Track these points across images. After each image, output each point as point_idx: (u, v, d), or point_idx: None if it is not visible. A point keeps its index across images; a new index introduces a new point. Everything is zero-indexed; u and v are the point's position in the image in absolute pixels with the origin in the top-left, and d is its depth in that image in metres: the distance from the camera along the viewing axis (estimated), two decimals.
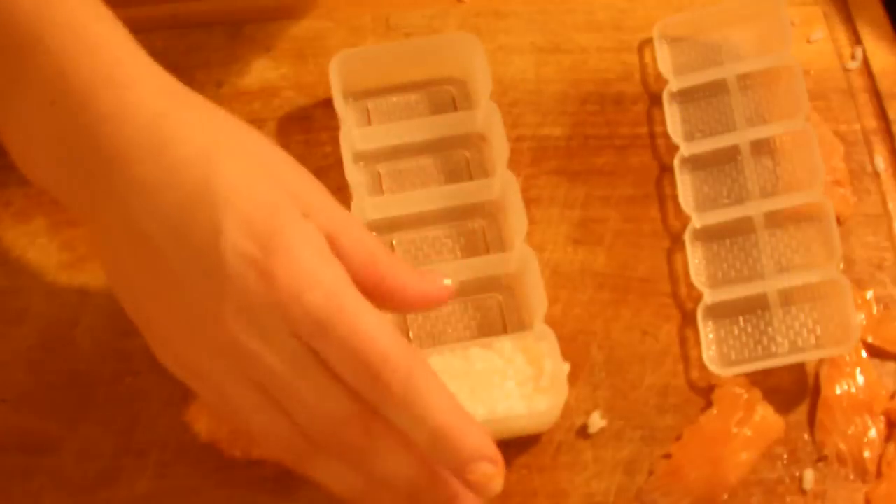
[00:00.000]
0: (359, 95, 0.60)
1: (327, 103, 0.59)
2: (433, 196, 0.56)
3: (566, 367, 0.50)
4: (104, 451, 0.52)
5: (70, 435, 0.53)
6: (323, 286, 0.40)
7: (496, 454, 0.41)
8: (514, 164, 0.57)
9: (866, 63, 0.62)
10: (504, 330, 0.54)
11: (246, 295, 0.40)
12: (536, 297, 0.52)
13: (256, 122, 0.61)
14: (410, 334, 0.54)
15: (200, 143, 0.42)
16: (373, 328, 0.40)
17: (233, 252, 0.40)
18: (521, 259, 0.54)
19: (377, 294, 0.43)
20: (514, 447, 0.52)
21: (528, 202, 0.57)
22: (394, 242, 0.57)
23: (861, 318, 0.54)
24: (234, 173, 0.41)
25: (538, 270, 0.52)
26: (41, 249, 0.57)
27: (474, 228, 0.57)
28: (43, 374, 0.54)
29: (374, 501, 0.43)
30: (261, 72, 0.62)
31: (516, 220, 0.54)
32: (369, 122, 0.60)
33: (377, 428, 0.41)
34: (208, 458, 0.52)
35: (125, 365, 0.54)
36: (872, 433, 0.52)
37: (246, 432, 0.44)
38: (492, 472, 0.41)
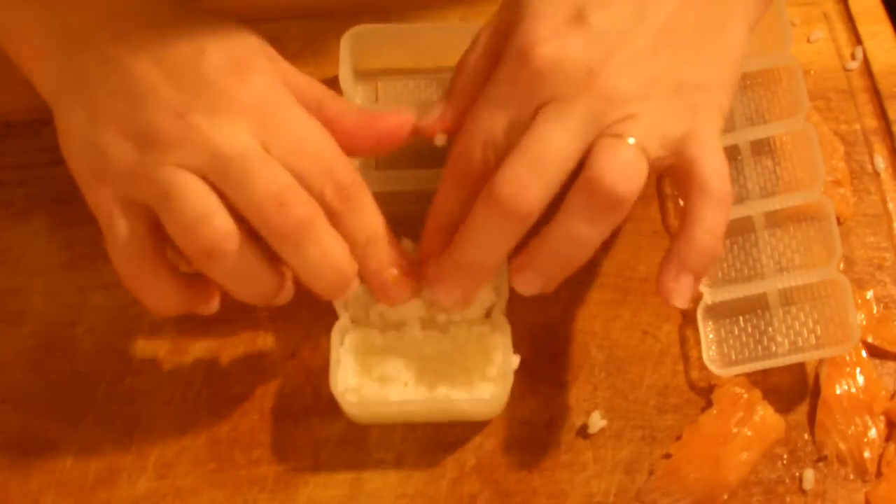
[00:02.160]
0: (370, 75, 0.60)
1: None
2: (422, 176, 0.57)
3: (516, 360, 0.51)
4: (104, 451, 0.52)
5: (70, 435, 0.53)
6: (295, 106, 0.48)
7: (410, 268, 0.50)
8: None
9: (866, 63, 0.62)
10: None
11: (221, 97, 0.46)
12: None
13: None
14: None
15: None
16: (332, 149, 0.48)
17: (211, 66, 0.47)
18: None
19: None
20: (515, 447, 0.52)
21: None
22: None
23: (861, 318, 0.54)
24: (214, 20, 0.49)
25: None
26: (41, 249, 0.57)
27: None
28: (43, 374, 0.54)
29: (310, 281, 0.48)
30: None
31: None
32: (377, 101, 0.61)
33: (319, 219, 0.47)
34: (208, 458, 0.52)
35: (125, 365, 0.54)
36: (872, 433, 0.52)
37: (187, 228, 0.46)
38: (401, 278, 0.50)
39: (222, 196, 0.46)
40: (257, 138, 0.46)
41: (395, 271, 0.49)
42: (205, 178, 0.45)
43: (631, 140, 0.45)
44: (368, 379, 0.51)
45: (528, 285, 0.48)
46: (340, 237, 0.48)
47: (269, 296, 0.49)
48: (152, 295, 0.48)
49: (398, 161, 0.57)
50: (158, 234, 0.47)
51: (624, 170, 0.45)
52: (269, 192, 0.45)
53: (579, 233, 0.46)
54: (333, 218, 0.47)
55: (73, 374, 0.54)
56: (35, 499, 0.51)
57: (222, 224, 0.45)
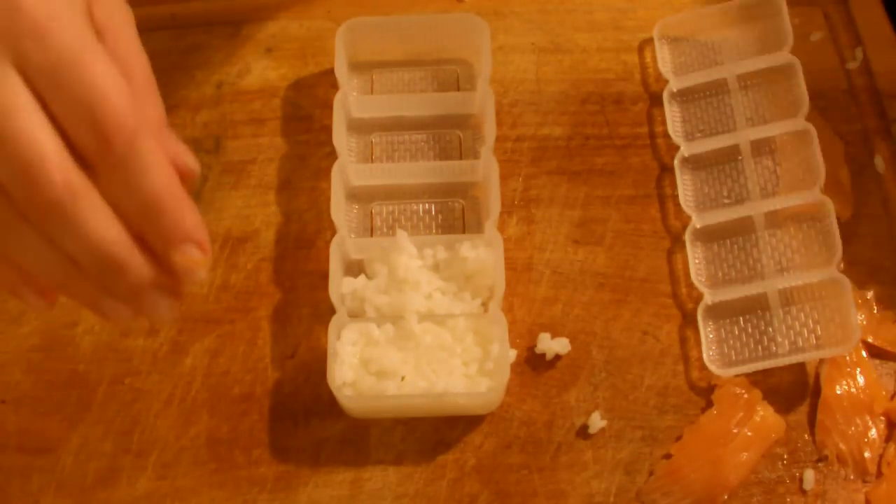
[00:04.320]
0: (365, 66, 0.61)
1: (328, 104, 0.59)
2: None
3: (513, 354, 0.51)
4: (104, 451, 0.52)
5: (70, 435, 0.53)
6: (66, 29, 0.37)
7: (206, 241, 0.40)
8: (514, 164, 0.58)
9: (866, 63, 0.62)
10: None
11: None
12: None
13: (256, 121, 0.61)
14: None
15: None
16: (109, 84, 0.37)
17: None
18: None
19: None
20: (515, 447, 0.52)
21: (528, 202, 0.58)
22: (373, 212, 0.58)
23: (861, 318, 0.54)
24: None
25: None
26: None
27: (454, 207, 0.58)
28: (43, 374, 0.54)
29: (58, 279, 0.40)
30: (261, 72, 0.62)
31: (493, 200, 0.55)
32: (372, 93, 0.61)
33: (82, 188, 0.37)
34: (208, 458, 0.52)
35: (125, 365, 0.54)
36: (872, 433, 0.52)
37: None
38: (198, 258, 0.39)
39: None
40: (16, 67, 0.36)
41: (182, 254, 0.39)
42: None
43: None
44: (366, 373, 0.51)
45: None
46: (108, 211, 0.38)
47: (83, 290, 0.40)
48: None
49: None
50: None
51: None
52: (19, 165, 0.36)
53: None
54: (97, 175, 0.38)
55: (73, 374, 0.54)
56: (35, 499, 0.51)
57: None
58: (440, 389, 0.51)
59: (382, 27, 0.60)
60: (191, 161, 0.41)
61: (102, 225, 0.38)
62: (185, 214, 0.39)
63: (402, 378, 0.51)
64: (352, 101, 0.58)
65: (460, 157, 0.59)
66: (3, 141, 0.36)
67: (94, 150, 0.37)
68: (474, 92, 0.59)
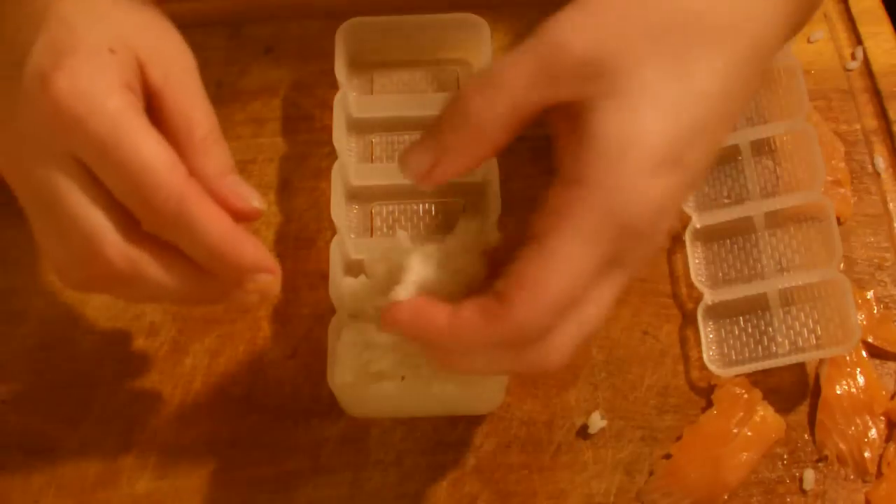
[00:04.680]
0: (365, 66, 0.61)
1: (327, 104, 0.59)
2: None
3: None
4: (104, 451, 0.52)
5: (70, 435, 0.53)
6: (104, 112, 0.40)
7: (273, 263, 0.43)
8: (514, 164, 0.57)
9: (866, 63, 0.62)
10: None
11: (32, 111, 0.40)
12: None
13: (256, 122, 0.61)
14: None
15: None
16: (149, 160, 0.40)
17: (31, 66, 0.41)
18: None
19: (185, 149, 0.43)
20: (515, 447, 0.52)
21: (528, 202, 0.57)
22: (373, 212, 0.58)
23: (861, 318, 0.54)
24: (69, 10, 0.42)
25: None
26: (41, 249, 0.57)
27: (454, 207, 0.58)
28: (43, 374, 0.54)
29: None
30: (261, 72, 0.62)
31: (493, 201, 0.55)
32: (372, 93, 0.61)
33: (140, 258, 0.41)
34: (208, 458, 0.52)
35: (125, 365, 0.54)
36: (872, 433, 0.52)
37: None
38: (270, 280, 0.43)
39: None
40: (70, 157, 0.41)
41: (253, 282, 0.43)
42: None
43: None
44: (366, 373, 0.51)
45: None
46: (164, 267, 0.42)
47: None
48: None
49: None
50: None
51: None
52: (79, 248, 0.41)
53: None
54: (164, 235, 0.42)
55: (73, 374, 0.54)
56: (35, 499, 0.51)
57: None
58: (440, 390, 0.51)
59: (382, 27, 0.60)
60: (256, 202, 0.44)
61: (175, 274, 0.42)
62: (244, 253, 0.42)
63: (402, 378, 0.51)
64: (352, 101, 0.58)
65: None
66: (64, 231, 0.41)
67: (148, 220, 0.41)
68: None
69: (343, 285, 0.53)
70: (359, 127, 0.59)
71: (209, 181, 0.42)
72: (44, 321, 0.55)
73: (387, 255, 0.54)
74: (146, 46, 0.43)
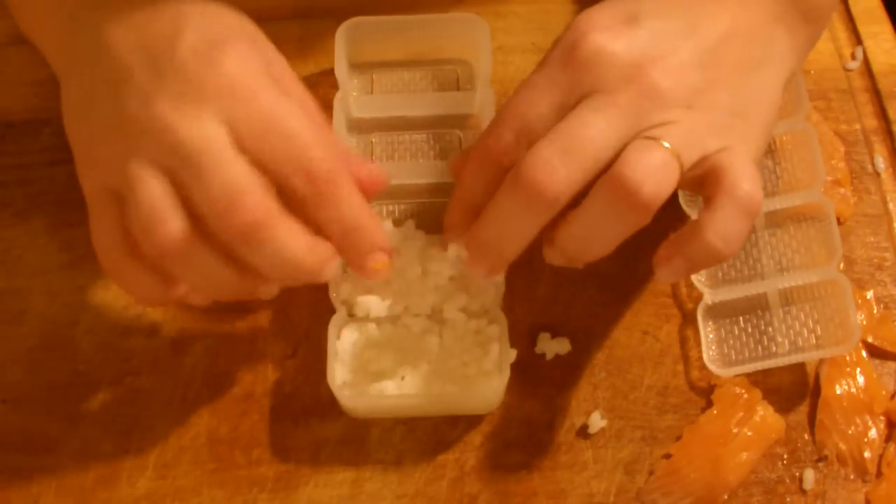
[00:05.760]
0: (365, 66, 0.61)
1: (327, 103, 0.59)
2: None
3: (513, 354, 0.51)
4: (104, 451, 0.52)
5: (70, 435, 0.53)
6: (268, 90, 0.46)
7: (390, 248, 0.49)
8: None
9: (866, 63, 0.62)
10: None
11: (190, 82, 0.44)
12: None
13: None
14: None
15: None
16: (308, 136, 0.45)
17: (185, 47, 0.45)
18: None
19: None
20: (515, 447, 0.52)
21: None
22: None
23: (861, 318, 0.54)
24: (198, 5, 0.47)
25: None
26: (41, 249, 0.57)
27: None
28: (43, 374, 0.54)
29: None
30: None
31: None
32: (372, 93, 0.61)
33: (272, 215, 0.44)
34: (208, 457, 0.52)
35: (125, 365, 0.54)
36: (872, 433, 0.52)
37: (146, 224, 0.45)
38: (385, 260, 0.48)
39: (185, 190, 0.45)
40: (225, 124, 0.44)
41: (374, 261, 0.48)
42: (166, 173, 0.45)
43: (666, 144, 0.45)
44: (365, 373, 0.51)
45: (553, 258, 0.48)
46: (300, 230, 0.45)
47: (237, 292, 0.48)
48: (132, 285, 0.48)
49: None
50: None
51: (653, 172, 0.44)
52: (221, 192, 0.43)
53: (597, 226, 0.45)
54: (303, 207, 0.46)
55: (73, 374, 0.54)
56: (35, 499, 0.51)
57: (174, 228, 0.44)
58: (440, 389, 0.51)
59: (382, 27, 0.60)
60: (375, 171, 0.49)
61: (296, 242, 0.45)
62: (377, 231, 0.47)
63: (402, 378, 0.51)
64: (352, 101, 0.59)
65: None
66: (206, 181, 0.43)
67: (303, 192, 0.45)
68: (474, 92, 0.59)
69: (343, 286, 0.53)
70: (359, 126, 0.59)
71: (339, 158, 0.47)
72: (44, 321, 0.55)
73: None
74: (262, 39, 0.49)
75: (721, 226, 0.44)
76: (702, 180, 0.47)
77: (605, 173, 0.45)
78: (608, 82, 0.45)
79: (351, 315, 0.53)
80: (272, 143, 0.45)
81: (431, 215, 0.56)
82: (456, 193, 0.49)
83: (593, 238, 0.46)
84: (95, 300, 0.56)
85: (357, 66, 0.61)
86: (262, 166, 0.45)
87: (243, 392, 0.54)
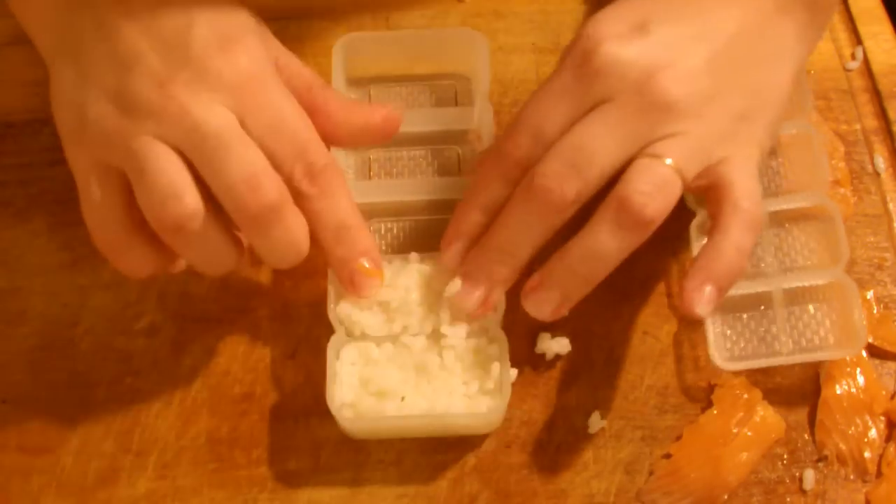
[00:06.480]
0: (363, 81, 0.61)
1: None
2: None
3: (513, 373, 0.51)
4: (104, 451, 0.52)
5: (70, 435, 0.53)
6: (276, 86, 0.48)
7: (379, 261, 0.51)
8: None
9: (866, 63, 0.62)
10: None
11: (204, 71, 0.46)
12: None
13: None
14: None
15: None
16: (310, 131, 0.48)
17: (198, 39, 0.46)
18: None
19: (314, 121, 0.49)
20: (515, 447, 0.52)
21: None
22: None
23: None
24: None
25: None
26: (41, 249, 0.57)
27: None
28: (43, 374, 0.54)
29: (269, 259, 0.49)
30: None
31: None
32: None
33: (286, 199, 0.47)
34: (208, 458, 0.52)
35: (125, 365, 0.54)
36: (872, 433, 0.52)
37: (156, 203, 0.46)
38: (373, 269, 0.50)
39: (194, 170, 0.46)
40: (235, 114, 0.46)
41: (364, 262, 0.50)
42: (179, 152, 0.46)
43: (668, 161, 0.47)
44: (365, 393, 0.51)
45: (543, 304, 0.49)
46: (303, 218, 0.48)
47: (228, 267, 0.50)
48: (124, 259, 0.49)
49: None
50: (131, 199, 0.47)
51: (656, 192, 0.46)
52: (241, 174, 0.45)
53: (602, 246, 0.47)
54: (301, 200, 0.48)
55: (73, 374, 0.54)
56: (35, 499, 0.51)
57: (191, 203, 0.45)
58: (440, 410, 0.50)
59: (380, 42, 0.59)
60: (391, 113, 0.51)
61: (300, 228, 0.48)
62: (366, 233, 0.50)
63: (402, 398, 0.51)
64: None
65: (459, 173, 0.58)
66: (225, 162, 0.45)
67: (300, 180, 0.47)
68: (473, 107, 0.58)
69: (341, 306, 0.52)
70: None
71: (343, 111, 0.50)
72: (44, 321, 0.55)
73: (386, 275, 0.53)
74: (267, 34, 0.51)
75: (733, 238, 0.47)
76: (704, 190, 0.49)
77: (610, 194, 0.47)
78: (620, 92, 0.47)
79: (349, 335, 0.52)
80: (277, 136, 0.47)
81: (430, 233, 0.56)
82: (467, 198, 0.51)
83: (595, 261, 0.48)
84: (95, 300, 0.56)
85: (354, 81, 0.60)
86: (268, 157, 0.47)
87: (243, 392, 0.54)
